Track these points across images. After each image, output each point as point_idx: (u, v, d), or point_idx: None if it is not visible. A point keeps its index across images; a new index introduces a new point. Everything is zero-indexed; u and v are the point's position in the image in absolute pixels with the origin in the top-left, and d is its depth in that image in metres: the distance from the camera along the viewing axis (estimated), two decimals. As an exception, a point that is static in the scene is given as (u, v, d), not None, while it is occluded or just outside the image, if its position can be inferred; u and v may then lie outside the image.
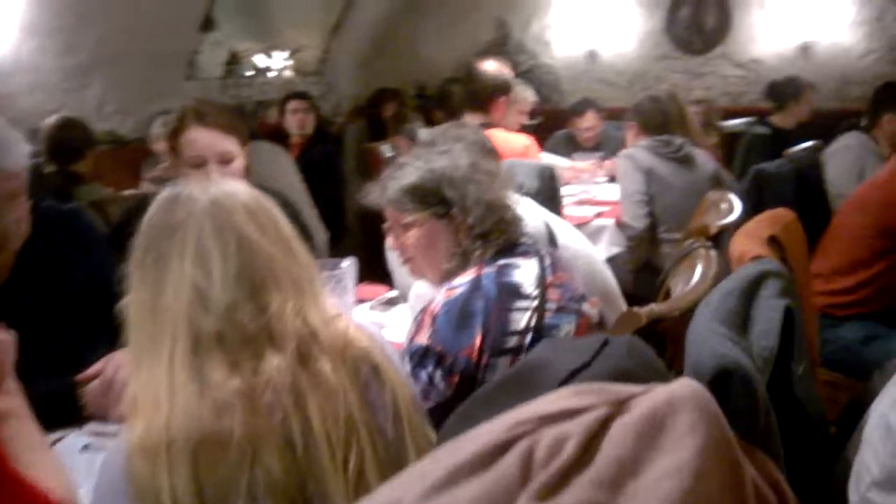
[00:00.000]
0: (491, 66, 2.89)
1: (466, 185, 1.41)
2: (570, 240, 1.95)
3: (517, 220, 1.46)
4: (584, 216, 3.34)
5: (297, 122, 4.33)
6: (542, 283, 1.35)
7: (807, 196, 2.78)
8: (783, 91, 4.62)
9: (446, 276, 1.44)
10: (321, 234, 3.29)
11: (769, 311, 1.18)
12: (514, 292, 1.34)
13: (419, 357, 1.28)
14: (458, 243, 1.42)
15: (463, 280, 1.36)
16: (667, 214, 3.07)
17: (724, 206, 1.84)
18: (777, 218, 1.78)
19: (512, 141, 2.66)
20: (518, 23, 6.80)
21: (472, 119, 2.81)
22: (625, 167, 3.13)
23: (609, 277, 1.99)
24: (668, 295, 1.53)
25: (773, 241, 1.67)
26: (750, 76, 5.96)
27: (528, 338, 1.30)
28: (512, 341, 1.30)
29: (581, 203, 3.62)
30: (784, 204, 2.89)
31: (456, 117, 4.65)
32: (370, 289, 2.27)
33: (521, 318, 1.31)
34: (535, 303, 1.33)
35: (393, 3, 6.72)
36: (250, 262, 0.98)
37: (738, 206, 1.78)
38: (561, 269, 1.44)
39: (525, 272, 1.37)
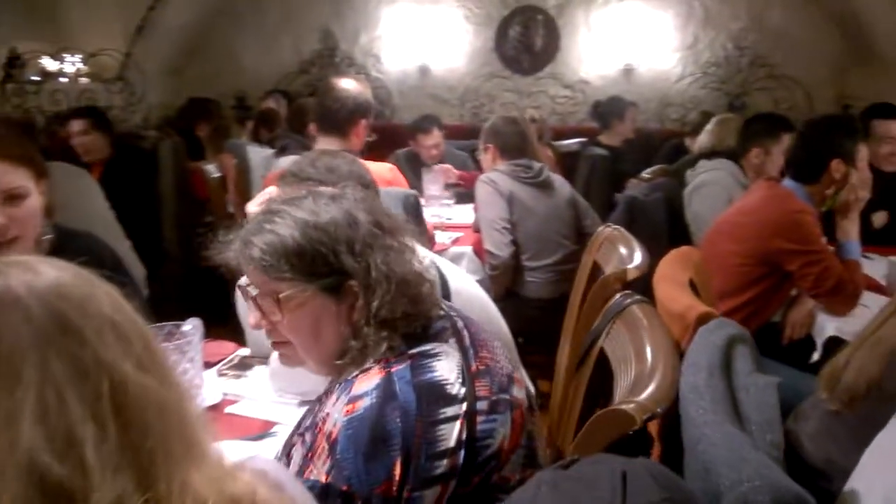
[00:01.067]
0: (350, 85, 2.52)
1: (371, 250, 1.06)
2: (462, 282, 1.66)
3: (433, 294, 1.12)
4: (441, 243, 3.08)
5: (80, 146, 3.52)
6: (468, 375, 1.03)
7: (675, 223, 2.73)
8: (607, 111, 4.72)
9: (336, 372, 1.09)
10: (138, 268, 2.76)
11: (761, 394, 0.96)
12: (437, 395, 0.98)
13: (315, 500, 0.90)
14: (355, 330, 1.07)
15: (367, 385, 0.99)
16: (529, 241, 2.90)
17: (622, 247, 1.64)
18: (686, 258, 1.63)
19: (378, 170, 2.33)
20: (345, 34, 6.48)
21: (326, 144, 2.43)
22: (485, 193, 2.91)
23: (503, 323, 1.73)
24: (605, 364, 1.30)
25: (692, 285, 1.49)
26: (577, 96, 6.11)
27: (461, 456, 0.97)
28: (442, 465, 0.96)
29: (434, 228, 3.37)
30: (656, 231, 2.86)
31: (275, 132, 4.31)
32: (213, 346, 1.84)
33: (451, 431, 0.97)
34: (465, 406, 0.99)
35: (204, 5, 6.11)
36: (134, 421, 0.59)
37: (638, 248, 1.59)
38: (482, 344, 1.11)
39: (446, 363, 1.02)
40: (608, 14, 5.95)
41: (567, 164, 4.68)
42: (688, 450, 0.90)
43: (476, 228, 3.13)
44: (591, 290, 1.53)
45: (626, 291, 1.31)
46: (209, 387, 1.57)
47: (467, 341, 1.08)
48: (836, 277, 2.29)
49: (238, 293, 1.74)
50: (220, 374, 1.70)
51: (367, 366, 1.03)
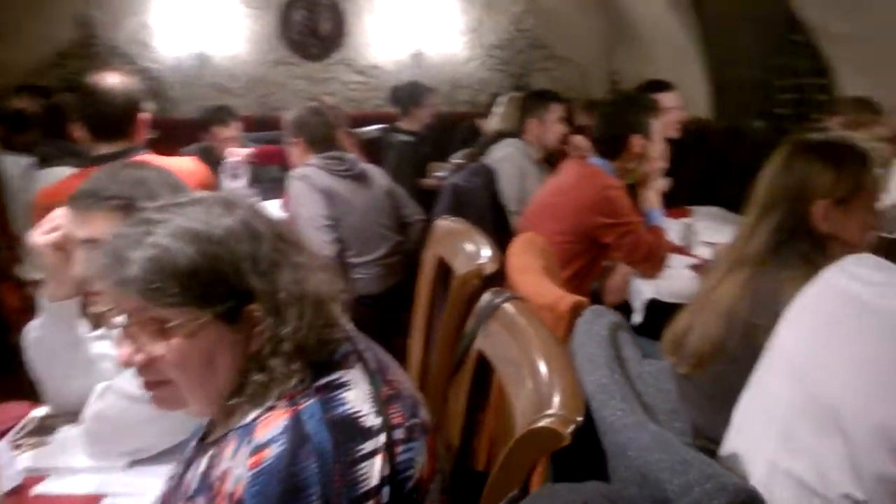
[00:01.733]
0: (115, 80, 2.16)
1: (277, 267, 0.90)
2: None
3: (341, 316, 0.97)
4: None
5: None
6: (381, 402, 0.90)
7: (496, 206, 2.77)
8: (405, 97, 4.71)
9: (224, 413, 0.92)
10: None
11: (657, 381, 0.96)
12: (353, 431, 0.85)
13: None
14: (258, 361, 0.89)
15: (273, 430, 0.83)
16: (353, 237, 2.78)
17: (467, 241, 1.59)
18: (532, 244, 1.61)
19: (181, 167, 2.06)
20: (106, 21, 5.82)
21: (109, 149, 2.10)
22: (300, 189, 2.74)
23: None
24: (479, 367, 1.23)
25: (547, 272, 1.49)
26: (371, 82, 6.03)
27: (385, 494, 0.85)
28: None
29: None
30: (481, 216, 2.87)
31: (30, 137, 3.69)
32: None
33: (372, 469, 0.84)
34: (383, 437, 0.86)
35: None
36: None
37: (484, 240, 1.55)
38: (386, 367, 0.98)
39: (356, 392, 0.89)
40: (392, -2, 5.93)
41: (369, 151, 4.61)
42: (613, 456, 0.87)
43: (290, 227, 2.95)
44: (452, 291, 1.47)
45: (495, 289, 1.26)
46: (3, 466, 1.24)
47: (373, 365, 0.95)
48: (647, 244, 2.46)
49: (26, 333, 1.45)
50: (16, 447, 1.35)
51: (268, 404, 0.87)
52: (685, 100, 5.03)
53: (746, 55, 4.50)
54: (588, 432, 0.84)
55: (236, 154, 3.73)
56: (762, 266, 1.46)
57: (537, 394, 0.91)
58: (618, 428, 0.86)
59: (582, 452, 0.87)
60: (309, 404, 0.86)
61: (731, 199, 4.01)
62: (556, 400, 0.87)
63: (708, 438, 1.31)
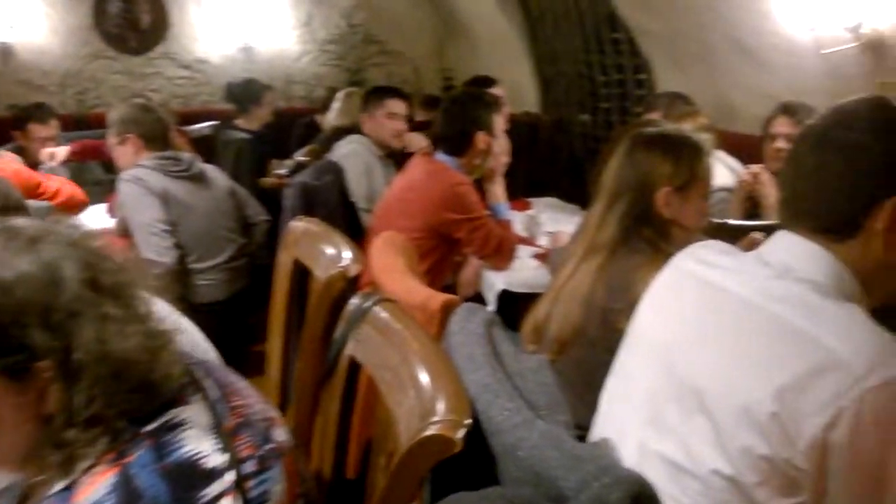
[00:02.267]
0: None
1: (76, 321, 0.78)
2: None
3: (175, 355, 0.86)
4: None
5: None
6: (225, 436, 0.81)
7: (346, 204, 2.71)
8: (242, 94, 4.51)
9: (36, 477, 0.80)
10: None
11: (537, 375, 0.97)
12: (194, 476, 0.77)
13: None
14: (51, 432, 0.77)
15: (97, 492, 0.74)
16: (194, 242, 2.61)
17: (326, 243, 1.54)
18: (392, 243, 1.60)
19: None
20: None
21: None
22: (133, 193, 2.53)
23: (208, 345, 1.51)
24: (351, 374, 1.19)
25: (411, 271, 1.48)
26: (198, 77, 5.70)
27: None
28: None
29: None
30: (332, 216, 2.79)
31: None
32: None
33: None
34: (230, 475, 0.78)
35: None
36: None
37: (343, 242, 1.50)
38: (231, 391, 0.89)
39: (196, 430, 0.81)
40: (218, -11, 5.64)
41: (200, 149, 4.36)
42: (503, 456, 0.87)
43: (120, 233, 2.72)
44: (314, 295, 1.41)
45: (365, 292, 1.23)
46: None
47: (214, 393, 0.87)
48: (497, 238, 2.53)
49: None
50: None
51: (82, 467, 0.77)
52: (516, 95, 5.26)
53: (571, 52, 4.74)
54: (472, 434, 0.83)
55: (53, 155, 3.38)
56: (613, 252, 1.54)
57: (420, 400, 0.89)
58: (506, 428, 0.86)
59: (463, 455, 0.87)
60: (139, 455, 0.77)
61: (565, 189, 4.26)
62: (442, 405, 0.86)
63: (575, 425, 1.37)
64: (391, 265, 1.42)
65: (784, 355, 0.90)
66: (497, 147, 2.65)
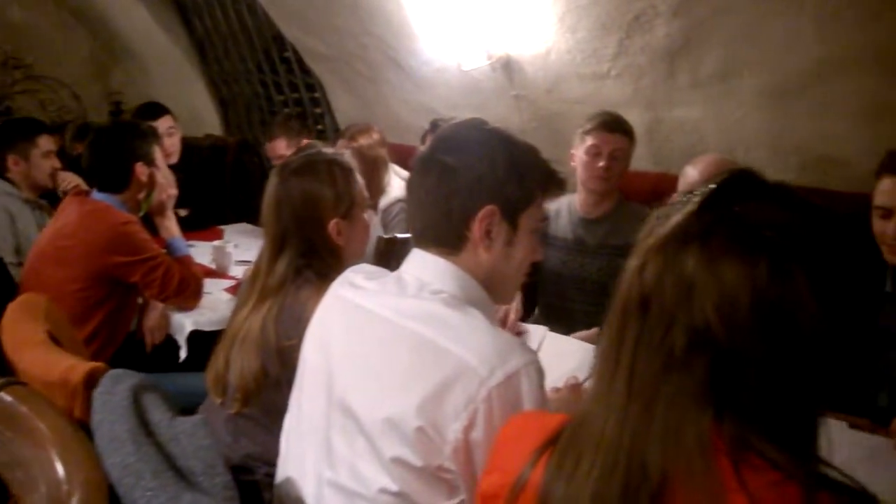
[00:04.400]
0: None
1: None
2: None
3: None
4: None
5: None
6: None
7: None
8: None
9: None
10: None
11: (192, 438, 0.93)
12: None
13: None
14: None
15: None
16: None
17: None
18: (33, 307, 1.42)
19: None
20: None
21: None
22: None
23: None
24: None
25: (53, 339, 1.33)
26: None
27: None
28: None
29: None
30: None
31: None
32: None
33: None
34: None
35: None
36: None
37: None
38: None
39: None
40: None
41: None
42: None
43: None
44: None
45: (-12, 378, 1.06)
46: None
47: None
48: (179, 276, 2.37)
49: None
50: None
51: None
52: (195, 118, 5.02)
53: (244, 72, 4.66)
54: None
55: None
56: (285, 292, 1.53)
57: (52, 497, 0.79)
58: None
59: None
60: None
61: (256, 213, 4.16)
62: (76, 500, 0.77)
63: (272, 464, 1.33)
64: (25, 338, 1.24)
65: (421, 369, 0.97)
66: (161, 178, 2.48)
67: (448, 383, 0.94)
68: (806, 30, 2.17)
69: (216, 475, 0.87)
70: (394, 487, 0.98)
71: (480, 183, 1.08)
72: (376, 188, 2.95)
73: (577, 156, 2.42)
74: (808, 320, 0.64)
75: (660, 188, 2.60)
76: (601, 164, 2.36)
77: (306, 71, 4.14)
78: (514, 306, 2.05)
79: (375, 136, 3.09)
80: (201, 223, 3.57)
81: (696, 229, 0.68)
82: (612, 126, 2.38)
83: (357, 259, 1.60)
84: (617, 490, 0.67)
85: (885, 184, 1.73)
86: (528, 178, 1.12)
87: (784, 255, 0.64)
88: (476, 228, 1.08)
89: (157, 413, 0.97)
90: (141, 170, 2.40)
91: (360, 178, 1.65)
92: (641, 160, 2.89)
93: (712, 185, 0.71)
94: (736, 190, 0.70)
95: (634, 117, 2.74)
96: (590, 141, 2.38)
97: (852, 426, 1.65)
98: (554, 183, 1.17)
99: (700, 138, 2.69)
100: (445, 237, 1.10)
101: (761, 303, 0.64)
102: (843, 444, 1.56)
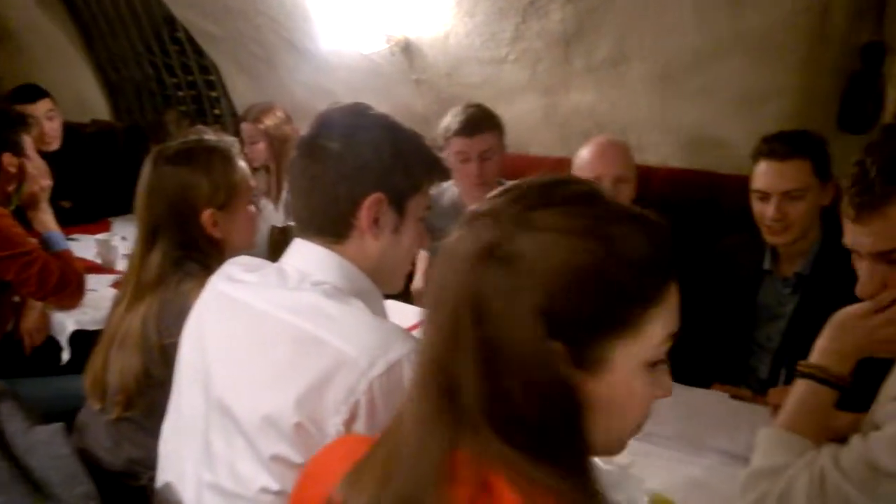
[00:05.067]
0: None
1: None
2: None
3: None
4: None
5: None
6: None
7: None
8: None
9: None
10: None
11: (49, 448, 0.87)
12: None
13: None
14: None
15: None
16: None
17: None
18: None
19: None
20: None
21: None
22: None
23: None
24: None
25: None
26: None
27: None
28: None
29: None
30: None
31: None
32: None
33: None
34: None
35: None
36: None
37: None
38: None
39: None
40: None
41: None
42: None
43: None
44: None
45: None
46: None
47: None
48: (58, 272, 2.22)
49: None
50: None
51: None
52: (81, 104, 4.74)
53: (133, 55, 4.43)
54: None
55: None
56: (164, 287, 1.45)
57: None
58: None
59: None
60: None
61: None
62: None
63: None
64: None
65: (300, 363, 0.94)
66: (32, 169, 2.32)
67: (327, 376, 0.91)
68: (688, 18, 2.24)
69: (77, 485, 0.81)
70: (274, 486, 0.95)
71: (367, 170, 1.05)
72: (287, 168, 2.86)
73: (448, 157, 2.36)
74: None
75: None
76: (473, 170, 2.33)
77: (200, 52, 3.97)
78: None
79: (280, 115, 3.00)
80: (89, 215, 3.38)
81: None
82: (473, 129, 2.33)
83: (246, 250, 1.54)
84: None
85: (761, 168, 1.82)
86: (413, 166, 1.10)
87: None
88: (364, 216, 1.05)
89: (13, 423, 0.90)
90: (9, 160, 2.23)
91: (244, 167, 1.58)
92: (543, 144, 2.92)
93: None
94: None
95: (532, 101, 2.76)
96: (455, 147, 2.35)
97: (734, 397, 1.73)
98: (438, 170, 1.16)
99: (595, 123, 2.74)
100: (331, 226, 1.07)
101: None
102: (728, 414, 1.64)
